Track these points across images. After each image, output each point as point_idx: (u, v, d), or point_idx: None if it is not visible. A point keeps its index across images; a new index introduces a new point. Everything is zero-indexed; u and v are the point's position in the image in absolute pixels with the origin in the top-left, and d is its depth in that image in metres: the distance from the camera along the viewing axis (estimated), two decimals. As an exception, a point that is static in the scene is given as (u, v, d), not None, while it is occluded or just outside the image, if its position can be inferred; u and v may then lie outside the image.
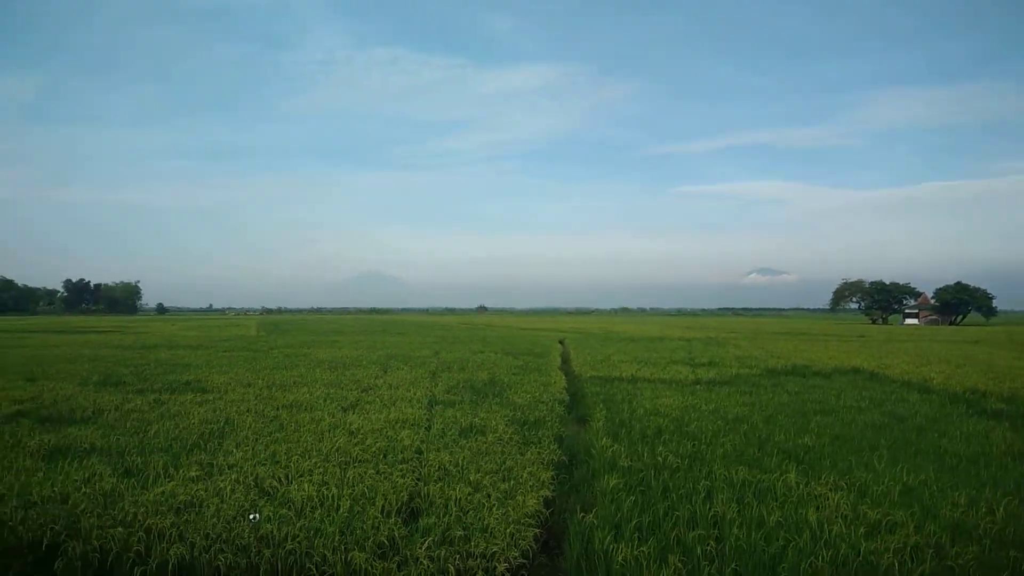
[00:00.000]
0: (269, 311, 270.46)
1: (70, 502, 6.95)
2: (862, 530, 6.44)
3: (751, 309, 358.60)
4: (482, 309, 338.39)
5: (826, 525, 6.57)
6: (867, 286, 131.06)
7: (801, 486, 7.97)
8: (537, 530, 6.62)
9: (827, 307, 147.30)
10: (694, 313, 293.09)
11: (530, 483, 7.86)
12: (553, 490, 8.01)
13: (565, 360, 27.60)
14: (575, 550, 6.31)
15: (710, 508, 7.14)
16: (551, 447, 9.87)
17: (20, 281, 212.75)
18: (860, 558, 5.81)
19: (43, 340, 39.29)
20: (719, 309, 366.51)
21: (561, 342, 40.37)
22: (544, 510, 7.18)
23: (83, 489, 7.36)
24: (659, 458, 9.32)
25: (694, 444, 10.27)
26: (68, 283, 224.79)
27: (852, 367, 23.72)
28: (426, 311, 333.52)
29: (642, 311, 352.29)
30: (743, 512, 7.03)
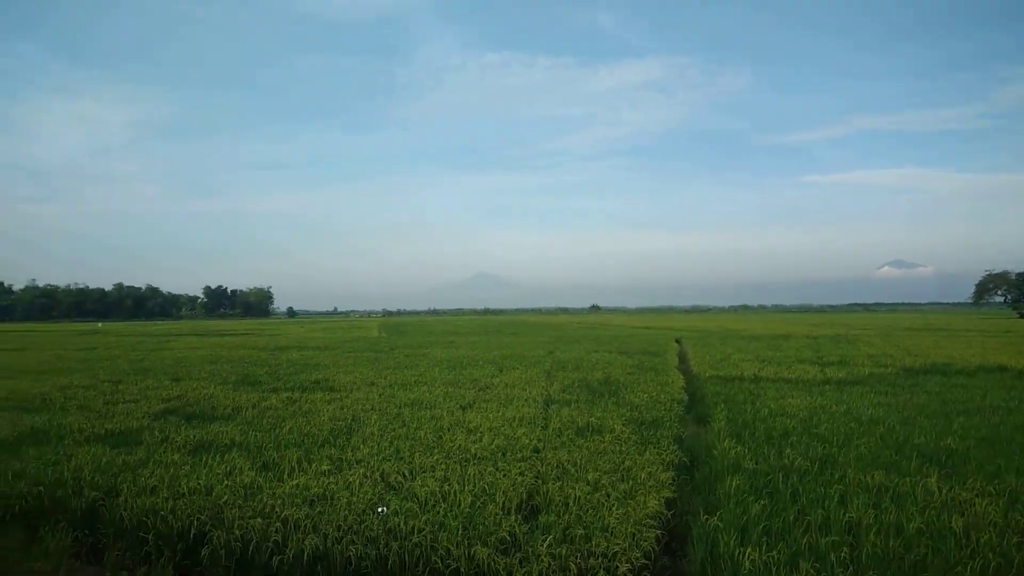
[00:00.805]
0: (389, 313, 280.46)
1: (214, 494, 7.41)
2: (1015, 539, 5.91)
3: (884, 304, 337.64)
4: (595, 308, 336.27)
5: (972, 533, 6.09)
6: (1013, 278, 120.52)
7: (944, 491, 7.41)
8: (659, 531, 6.49)
9: (969, 301, 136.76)
10: (820, 309, 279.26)
11: (650, 483, 7.72)
12: (674, 491, 7.83)
13: (682, 359, 26.99)
14: (699, 553, 6.13)
15: (844, 513, 6.76)
16: (670, 448, 9.67)
17: (165, 289, 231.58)
18: (1013, 569, 5.34)
19: (186, 343, 42.39)
20: (848, 305, 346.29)
21: (678, 341, 39.52)
22: (665, 511, 7.03)
23: (225, 482, 7.84)
24: (787, 460, 8.92)
25: (824, 447, 9.77)
26: (208, 289, 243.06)
27: (998, 365, 21.87)
28: (538, 311, 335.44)
29: (763, 308, 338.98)
30: (880, 518, 6.62)
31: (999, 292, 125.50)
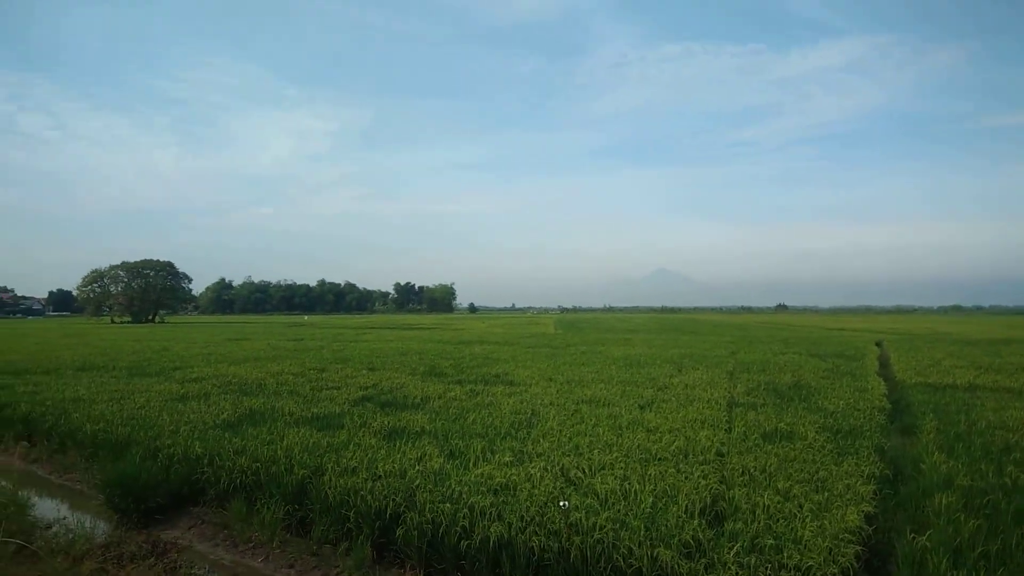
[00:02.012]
0: (565, 309, 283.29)
1: (407, 477, 7.87)
2: None
3: None
4: (782, 307, 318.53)
5: None
6: None
7: None
8: (858, 547, 6.01)
9: None
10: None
11: (847, 496, 7.18)
12: (875, 506, 7.22)
13: (884, 364, 24.80)
14: (905, 574, 5.62)
15: (1081, 542, 5.89)
16: (871, 458, 8.91)
17: (361, 285, 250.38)
18: None
19: (379, 335, 45.40)
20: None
21: (878, 344, 36.34)
22: (866, 526, 6.50)
23: (417, 467, 8.31)
24: (1007, 479, 7.95)
25: (1057, 466, 8.56)
26: (398, 286, 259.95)
27: None
28: (719, 310, 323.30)
29: (979, 309, 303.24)
30: None
31: None
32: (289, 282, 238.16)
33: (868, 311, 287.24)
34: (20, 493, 9.45)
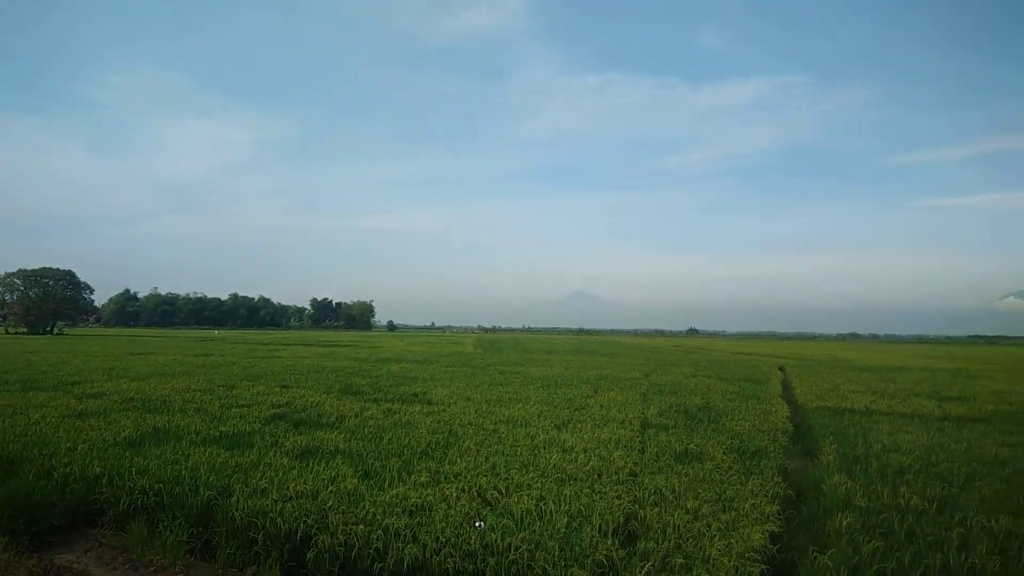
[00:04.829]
0: (485, 329, 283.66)
1: (319, 498, 7.64)
2: None
3: (1007, 337, 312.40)
4: (692, 331, 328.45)
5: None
6: None
7: (1085, 544, 6.77)
8: (763, 566, 6.22)
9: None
10: (937, 340, 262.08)
11: (753, 515, 7.43)
12: (779, 525, 7.50)
13: (787, 388, 25.90)
14: (806, 592, 5.85)
15: (966, 559, 6.31)
16: (775, 479, 9.26)
17: (276, 300, 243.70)
18: None
19: (294, 352, 44.23)
20: (968, 337, 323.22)
21: (781, 368, 37.94)
22: (771, 545, 6.74)
23: (330, 487, 8.07)
24: (902, 499, 8.40)
25: (944, 486, 9.13)
26: (314, 301, 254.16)
27: None
28: (634, 332, 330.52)
29: (875, 337, 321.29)
30: (1008, 566, 6.13)
31: None
32: (199, 295, 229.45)
33: (772, 336, 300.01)
34: None
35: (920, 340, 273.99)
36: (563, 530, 6.71)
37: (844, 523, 7.29)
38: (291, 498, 7.72)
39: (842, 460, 10.88)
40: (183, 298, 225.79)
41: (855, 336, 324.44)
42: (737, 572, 5.87)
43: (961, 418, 16.88)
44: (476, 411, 15.14)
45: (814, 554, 6.41)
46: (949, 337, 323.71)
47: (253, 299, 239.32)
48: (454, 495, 7.80)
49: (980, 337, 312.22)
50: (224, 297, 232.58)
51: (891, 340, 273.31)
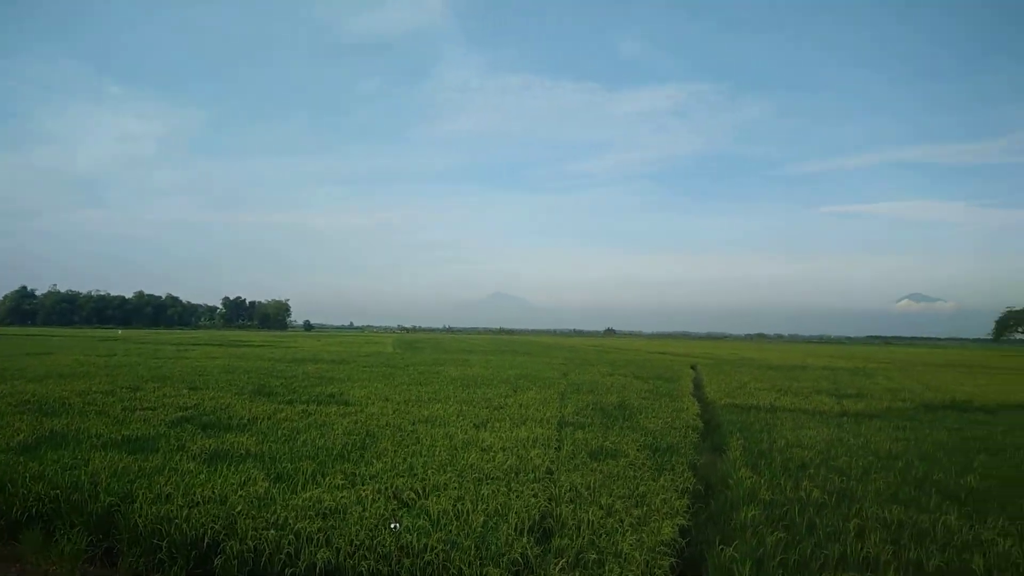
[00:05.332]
0: (405, 329, 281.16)
1: (228, 503, 7.42)
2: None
3: (902, 338, 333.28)
4: (610, 332, 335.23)
5: (996, 573, 5.99)
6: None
7: (965, 529, 7.31)
8: (673, 559, 6.42)
9: (989, 337, 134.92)
10: (838, 340, 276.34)
11: (664, 510, 7.66)
12: (689, 519, 7.76)
13: (698, 386, 26.78)
14: (713, 583, 6.07)
15: (862, 548, 6.68)
16: (685, 475, 9.58)
17: (185, 298, 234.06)
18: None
19: (204, 352, 42.65)
20: (866, 337, 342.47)
21: (693, 367, 39.22)
22: (680, 539, 6.96)
23: (239, 492, 7.84)
24: (803, 492, 8.83)
25: (842, 479, 9.66)
26: (226, 300, 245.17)
27: (1020, 403, 21.58)
28: (553, 332, 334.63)
29: (780, 337, 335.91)
30: (899, 554, 6.54)
31: (1020, 330, 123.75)
32: (102, 293, 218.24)
33: (685, 336, 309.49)
34: None
35: (822, 340, 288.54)
36: (480, 529, 6.73)
37: (749, 516, 7.59)
38: (198, 503, 7.45)
39: (748, 455, 11.33)
40: (84, 296, 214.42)
41: (762, 336, 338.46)
42: (648, 566, 6.04)
43: (859, 414, 17.87)
44: (394, 411, 15.00)
45: (721, 547, 6.65)
46: (849, 337, 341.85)
47: (160, 297, 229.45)
48: (370, 497, 7.71)
49: (877, 337, 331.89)
50: (129, 295, 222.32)
51: (795, 340, 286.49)
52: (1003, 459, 11.85)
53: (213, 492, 7.79)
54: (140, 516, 7.15)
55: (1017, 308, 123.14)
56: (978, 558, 6.34)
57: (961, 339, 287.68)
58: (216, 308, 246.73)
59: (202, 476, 8.59)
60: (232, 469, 9.00)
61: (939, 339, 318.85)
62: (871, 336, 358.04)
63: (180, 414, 14.01)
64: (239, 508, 7.23)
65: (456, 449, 10.71)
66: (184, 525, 6.91)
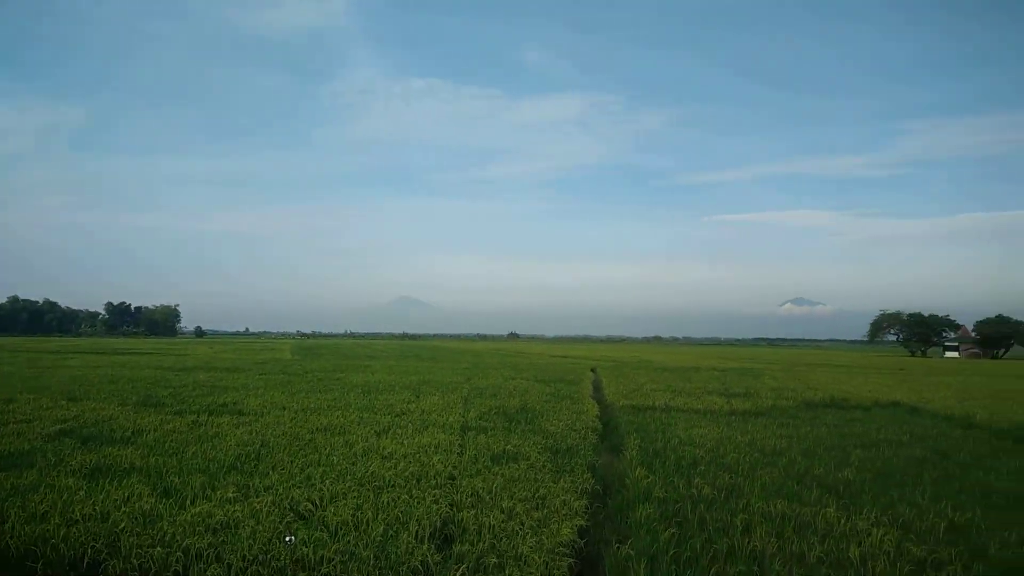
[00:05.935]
0: (304, 335, 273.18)
1: (110, 521, 7.02)
2: (907, 568, 6.27)
3: (786, 340, 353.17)
4: (513, 336, 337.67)
5: (869, 562, 6.42)
6: (905, 318, 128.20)
7: (842, 521, 7.80)
8: (572, 559, 6.55)
9: (864, 339, 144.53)
10: (728, 343, 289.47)
11: (564, 511, 7.80)
12: (587, 519, 7.93)
13: (597, 388, 27.42)
14: (610, 581, 6.23)
15: (749, 542, 7.01)
16: (584, 476, 9.78)
17: (64, 303, 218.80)
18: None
19: (85, 361, 40.17)
20: (753, 339, 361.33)
21: (593, 370, 40.10)
22: (579, 539, 7.11)
23: (123, 508, 7.44)
24: (695, 490, 9.20)
25: (731, 476, 10.13)
26: (110, 306, 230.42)
27: (892, 401, 23.27)
28: (458, 337, 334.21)
29: (675, 340, 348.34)
30: (783, 547, 6.91)
31: (892, 331, 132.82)
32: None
33: (587, 340, 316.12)
34: None
35: (713, 342, 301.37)
36: (379, 538, 6.64)
37: (644, 514, 7.84)
38: (77, 521, 7.02)
39: (644, 455, 11.69)
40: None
41: (658, 339, 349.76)
42: (547, 567, 6.13)
43: (746, 413, 18.78)
44: (292, 420, 14.60)
45: (617, 545, 6.84)
46: (738, 340, 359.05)
47: (37, 303, 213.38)
48: (264, 510, 7.46)
49: (764, 339, 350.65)
50: (2, 300, 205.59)
51: (689, 342, 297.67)
52: (877, 453, 12.72)
53: (94, 509, 7.37)
54: (12, 536, 6.67)
55: (889, 311, 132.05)
56: (854, 548, 6.78)
57: (839, 340, 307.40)
58: (99, 314, 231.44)
59: (82, 493, 8.11)
60: (115, 484, 8.53)
61: (819, 340, 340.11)
62: (758, 338, 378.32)
63: (58, 427, 13.19)
64: (122, 525, 6.85)
65: (356, 457, 10.53)
66: (62, 545, 6.49)
